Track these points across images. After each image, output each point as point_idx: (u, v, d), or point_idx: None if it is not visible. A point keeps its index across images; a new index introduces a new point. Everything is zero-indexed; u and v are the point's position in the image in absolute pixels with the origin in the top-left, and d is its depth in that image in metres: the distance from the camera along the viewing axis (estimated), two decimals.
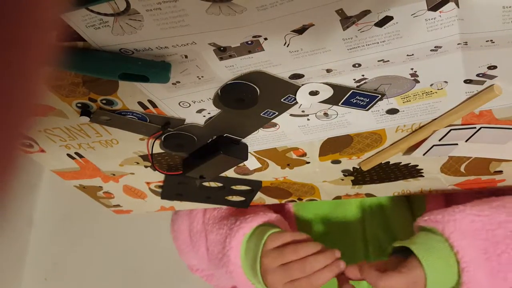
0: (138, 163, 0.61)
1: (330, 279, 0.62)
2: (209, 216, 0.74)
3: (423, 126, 0.54)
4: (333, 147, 0.58)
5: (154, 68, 0.43)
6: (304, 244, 0.64)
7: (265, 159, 0.61)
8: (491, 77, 0.46)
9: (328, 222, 0.78)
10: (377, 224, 0.75)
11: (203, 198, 0.70)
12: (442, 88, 0.48)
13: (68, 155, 0.60)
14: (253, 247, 0.66)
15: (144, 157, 0.60)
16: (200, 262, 0.77)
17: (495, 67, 0.45)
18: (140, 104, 0.50)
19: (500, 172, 0.61)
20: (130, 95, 0.49)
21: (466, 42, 0.42)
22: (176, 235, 0.79)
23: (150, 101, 0.50)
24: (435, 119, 0.53)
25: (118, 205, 0.73)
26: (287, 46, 0.41)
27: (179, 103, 0.50)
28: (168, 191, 0.69)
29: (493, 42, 0.42)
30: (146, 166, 0.62)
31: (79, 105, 0.50)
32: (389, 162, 0.60)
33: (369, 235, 0.74)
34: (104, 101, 0.50)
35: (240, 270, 0.67)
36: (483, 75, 0.46)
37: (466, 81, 0.47)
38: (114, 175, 0.65)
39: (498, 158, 0.58)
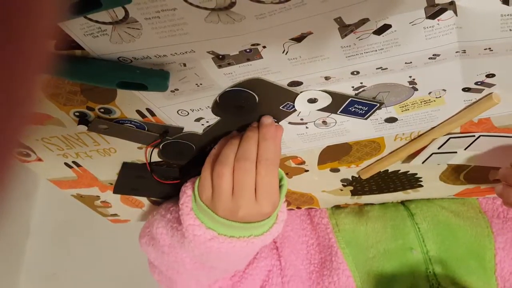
0: None
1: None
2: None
3: (422, 134, 0.54)
4: (332, 155, 0.58)
5: (152, 77, 0.43)
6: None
7: None
8: (490, 85, 0.46)
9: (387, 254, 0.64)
10: (441, 241, 0.63)
11: (163, 194, 0.66)
12: (440, 97, 0.48)
13: (66, 164, 0.60)
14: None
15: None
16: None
17: (493, 75, 0.45)
18: (139, 112, 0.50)
19: (499, 180, 0.61)
20: (128, 103, 0.48)
21: (465, 50, 0.42)
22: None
23: (148, 110, 0.49)
24: (434, 127, 0.53)
25: (115, 215, 0.73)
26: (286, 54, 0.41)
27: (177, 111, 0.50)
28: (122, 185, 0.63)
29: (492, 50, 0.42)
30: None
31: (77, 113, 0.50)
32: (387, 170, 0.60)
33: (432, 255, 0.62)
34: (102, 110, 0.49)
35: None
36: (482, 83, 0.46)
37: (464, 89, 0.47)
38: (111, 184, 0.64)
39: (497, 167, 0.58)
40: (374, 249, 0.64)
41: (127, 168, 0.60)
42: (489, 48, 0.42)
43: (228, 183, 0.50)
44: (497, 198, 0.64)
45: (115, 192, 0.65)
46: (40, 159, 0.59)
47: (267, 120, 0.51)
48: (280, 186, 0.53)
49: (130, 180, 0.62)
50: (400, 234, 0.63)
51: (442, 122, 0.52)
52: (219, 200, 0.51)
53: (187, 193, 0.55)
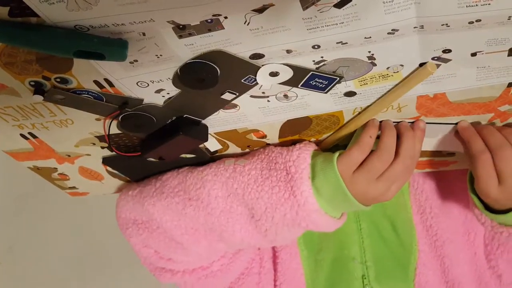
0: (94, 144, 0.60)
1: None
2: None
3: (370, 105, 0.54)
4: (292, 129, 0.58)
5: (110, 46, 0.42)
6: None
7: (225, 140, 0.61)
8: (446, 60, 0.48)
9: None
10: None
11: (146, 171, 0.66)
12: (398, 72, 0.49)
13: (22, 135, 0.58)
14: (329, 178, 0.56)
15: (100, 138, 0.59)
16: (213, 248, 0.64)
17: (449, 50, 0.46)
18: (96, 83, 0.49)
19: (453, 154, 0.63)
20: (85, 73, 0.47)
21: (422, 26, 0.43)
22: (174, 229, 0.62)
23: (106, 80, 0.48)
24: (378, 99, 0.53)
25: (74, 187, 0.72)
26: (248, 25, 0.41)
27: (137, 83, 0.49)
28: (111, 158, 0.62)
29: (448, 26, 0.43)
30: (102, 147, 0.61)
31: (33, 83, 0.48)
32: (346, 145, 0.61)
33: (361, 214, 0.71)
34: (58, 80, 0.48)
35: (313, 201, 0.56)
36: (438, 58, 0.48)
37: (421, 65, 0.48)
38: (69, 156, 0.63)
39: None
40: (323, 253, 0.72)
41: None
42: (446, 24, 0.43)
43: None
44: (425, 207, 0.71)
45: (103, 162, 0.64)
46: None
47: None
48: None
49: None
50: (347, 245, 0.71)
51: (385, 93, 0.52)
52: None
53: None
